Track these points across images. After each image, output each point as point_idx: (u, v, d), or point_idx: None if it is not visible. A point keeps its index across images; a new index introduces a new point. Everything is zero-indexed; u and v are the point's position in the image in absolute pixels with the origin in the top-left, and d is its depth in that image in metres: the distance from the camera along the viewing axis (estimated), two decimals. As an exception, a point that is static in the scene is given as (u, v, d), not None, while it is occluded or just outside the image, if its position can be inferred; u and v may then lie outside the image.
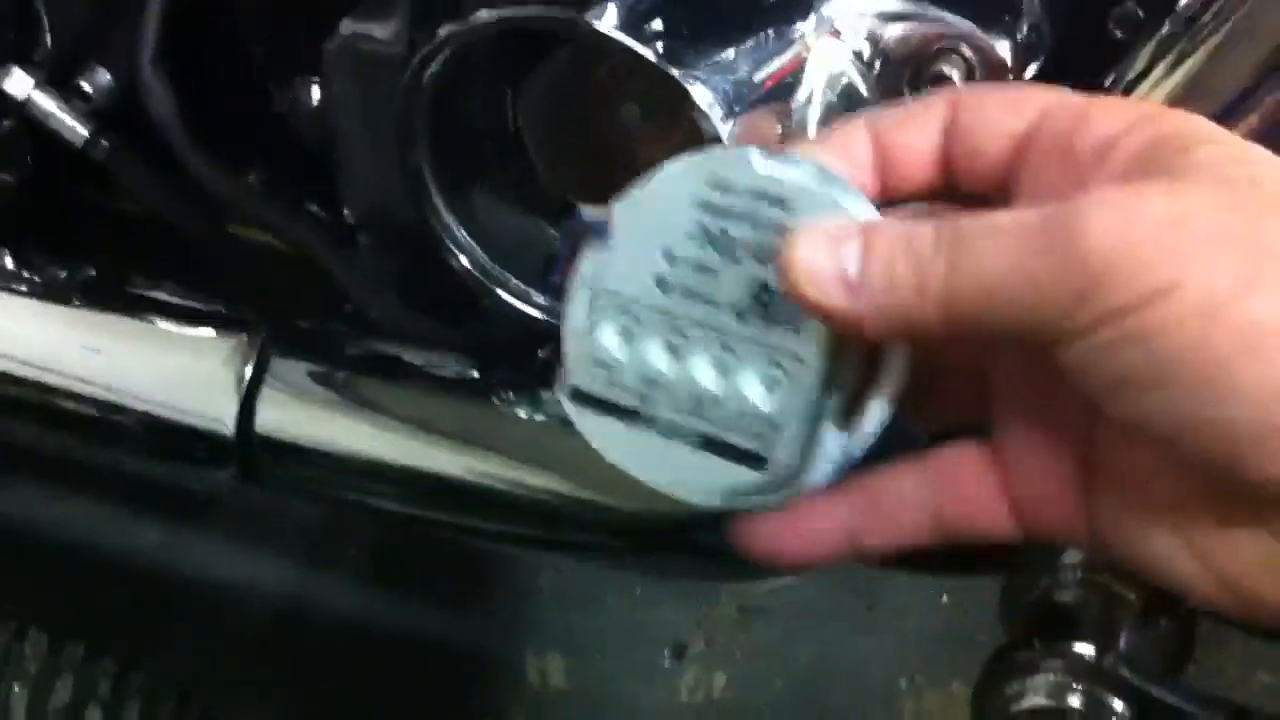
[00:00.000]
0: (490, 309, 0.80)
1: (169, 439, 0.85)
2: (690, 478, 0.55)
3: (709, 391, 0.54)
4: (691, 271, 0.53)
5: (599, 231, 0.56)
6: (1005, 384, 0.55)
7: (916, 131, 0.53)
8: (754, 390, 0.53)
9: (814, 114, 0.70)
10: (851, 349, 0.52)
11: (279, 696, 1.54)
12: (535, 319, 0.77)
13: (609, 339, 0.55)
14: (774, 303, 0.52)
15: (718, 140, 0.64)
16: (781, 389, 0.53)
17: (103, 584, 1.56)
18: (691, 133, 0.74)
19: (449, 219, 0.77)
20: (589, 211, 0.57)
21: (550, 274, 0.79)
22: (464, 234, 0.77)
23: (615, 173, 0.78)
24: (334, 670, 1.57)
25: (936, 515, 0.55)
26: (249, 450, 0.85)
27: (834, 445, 0.53)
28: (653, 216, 0.54)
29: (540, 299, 0.78)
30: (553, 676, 1.58)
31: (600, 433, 0.56)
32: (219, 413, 0.85)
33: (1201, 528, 0.47)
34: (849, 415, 0.53)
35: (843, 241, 0.48)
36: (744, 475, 0.54)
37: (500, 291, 0.77)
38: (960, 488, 0.55)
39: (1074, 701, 0.83)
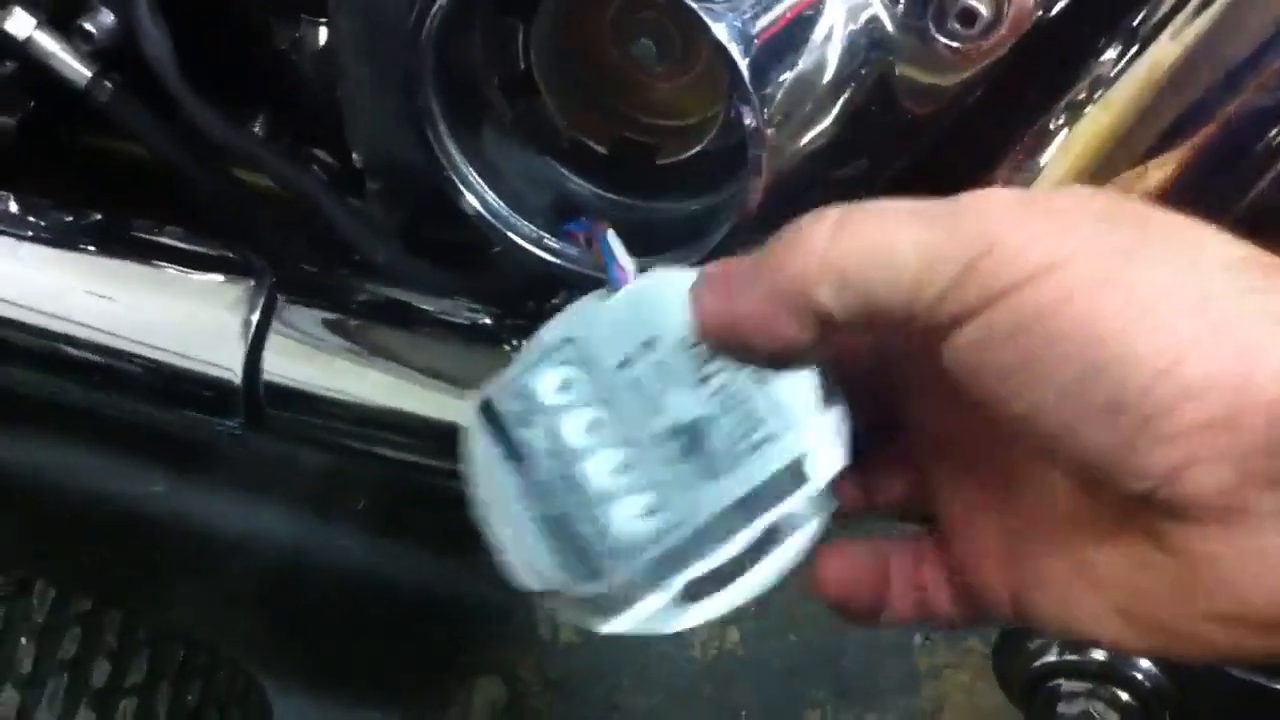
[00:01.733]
0: (500, 254, 0.78)
1: (175, 386, 0.84)
2: (522, 550, 0.53)
3: (594, 484, 0.52)
4: (655, 371, 0.52)
5: (609, 266, 0.56)
6: (933, 468, 0.55)
7: None
8: (632, 511, 0.52)
9: (834, 51, 0.68)
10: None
11: (285, 645, 1.54)
12: (546, 262, 0.75)
13: (547, 379, 0.54)
14: (705, 451, 0.51)
15: (737, 72, 0.62)
16: (657, 523, 0.51)
17: (107, 534, 1.56)
18: (707, 70, 0.72)
19: (459, 160, 0.75)
20: (613, 240, 0.56)
21: (562, 219, 0.77)
22: (474, 175, 0.75)
23: (627, 111, 0.77)
24: (341, 620, 1.57)
25: (918, 599, 0.54)
26: (255, 397, 0.84)
27: (675, 608, 0.52)
28: (660, 302, 0.53)
29: (551, 242, 0.76)
30: (563, 629, 1.57)
31: (481, 456, 0.55)
32: (226, 360, 0.83)
33: (1094, 549, 0.46)
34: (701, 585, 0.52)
35: (728, 265, 0.50)
36: (573, 580, 0.52)
37: (511, 235, 0.76)
38: (920, 576, 0.54)
39: (1098, 655, 0.82)
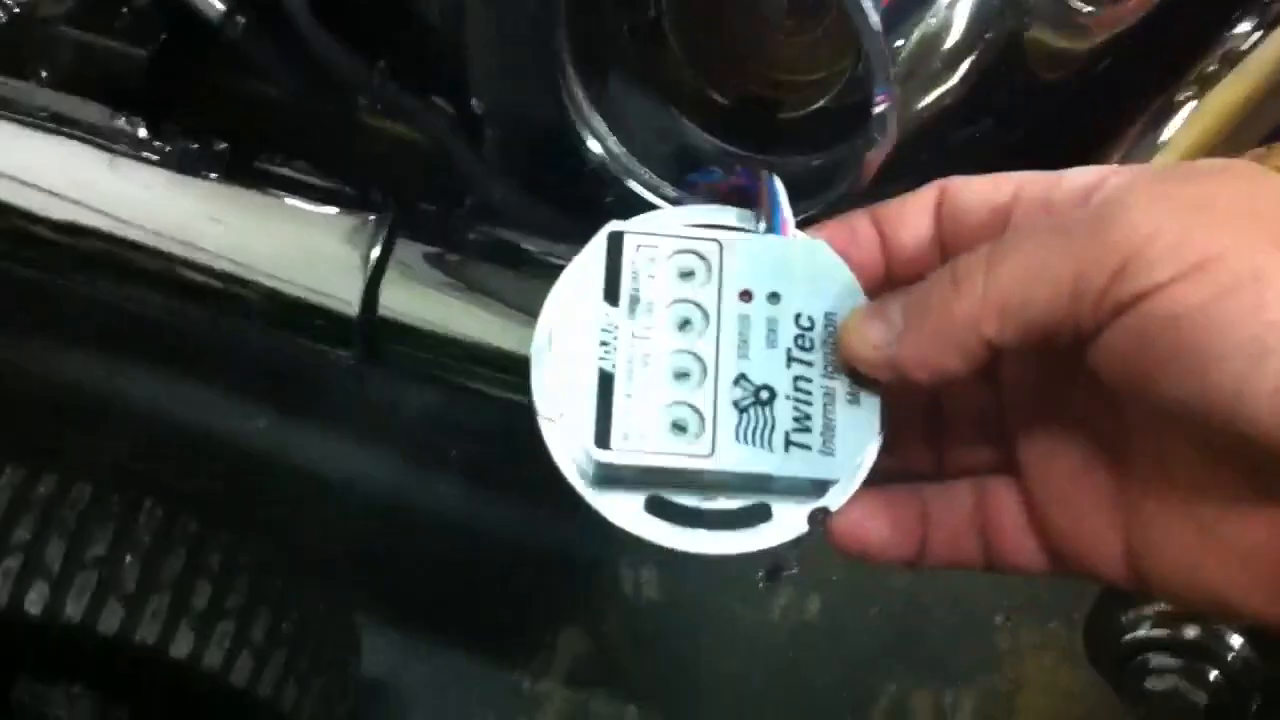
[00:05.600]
0: (618, 202, 0.79)
1: (295, 314, 0.86)
2: (557, 380, 0.53)
3: (653, 373, 0.53)
4: (764, 323, 0.54)
5: (775, 212, 0.57)
6: (1025, 425, 0.55)
7: (912, 216, 0.55)
8: (665, 417, 0.53)
9: (966, 9, 0.68)
10: None
11: (375, 584, 1.57)
12: (664, 210, 0.76)
13: (678, 259, 0.55)
14: (759, 413, 0.53)
15: (867, 26, 0.63)
16: (676, 440, 0.52)
17: (210, 466, 1.59)
18: (835, 24, 0.73)
19: (585, 107, 0.76)
20: (779, 187, 0.58)
21: (682, 170, 0.78)
22: (599, 122, 0.76)
23: (752, 65, 0.77)
24: (432, 564, 1.59)
25: (984, 545, 0.55)
26: (371, 330, 0.85)
27: (637, 513, 0.53)
28: (809, 270, 0.55)
29: (670, 192, 0.77)
30: (646, 588, 1.59)
31: (583, 275, 0.55)
32: (345, 292, 0.85)
33: (1234, 521, 0.46)
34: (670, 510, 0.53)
35: (888, 303, 0.52)
36: (581, 433, 0.52)
37: (632, 182, 0.76)
38: (999, 521, 0.55)
39: (1190, 632, 0.81)
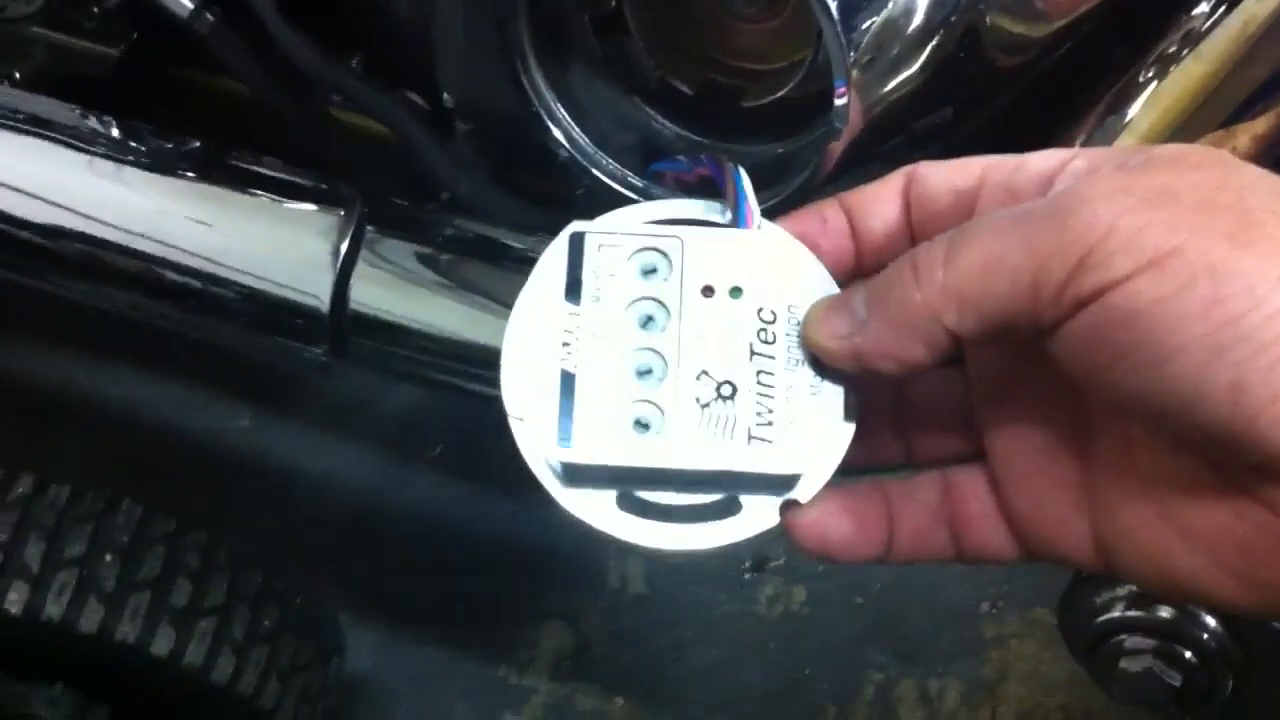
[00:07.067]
0: (584, 192, 0.79)
1: (264, 311, 0.86)
2: (524, 381, 0.54)
3: (617, 371, 0.54)
4: (727, 318, 0.54)
5: (740, 204, 0.57)
6: (991, 412, 0.55)
7: (881, 203, 0.55)
8: (631, 414, 0.53)
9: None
10: None
11: (360, 581, 1.57)
12: (630, 200, 0.76)
13: (640, 256, 0.55)
14: (724, 410, 0.53)
15: (826, 13, 0.63)
16: (641, 439, 0.53)
17: (189, 466, 1.59)
18: (795, 14, 0.73)
19: (548, 97, 0.76)
20: (744, 179, 0.58)
21: (646, 159, 0.78)
22: (562, 112, 0.76)
23: (714, 54, 0.78)
24: (415, 560, 1.60)
25: (954, 536, 0.55)
26: (341, 325, 0.85)
27: (610, 512, 0.53)
28: (770, 265, 0.55)
29: (635, 181, 0.77)
30: (633, 582, 1.59)
31: (544, 277, 0.55)
32: (314, 287, 0.85)
33: (1192, 505, 0.47)
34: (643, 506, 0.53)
35: (851, 294, 0.52)
36: (548, 435, 0.53)
37: (596, 171, 0.77)
38: (967, 511, 0.55)
39: (1164, 613, 0.81)
